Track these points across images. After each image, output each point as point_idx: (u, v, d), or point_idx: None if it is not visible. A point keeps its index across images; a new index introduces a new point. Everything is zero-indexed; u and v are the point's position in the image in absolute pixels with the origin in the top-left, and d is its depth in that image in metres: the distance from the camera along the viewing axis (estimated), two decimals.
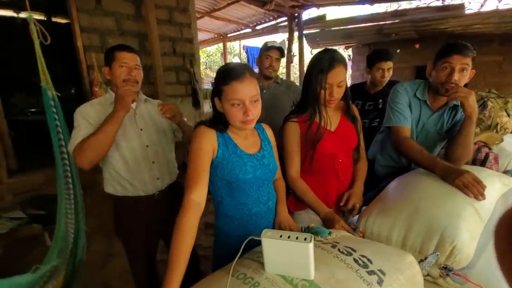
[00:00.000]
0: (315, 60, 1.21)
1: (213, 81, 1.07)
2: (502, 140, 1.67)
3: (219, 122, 1.01)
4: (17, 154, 3.09)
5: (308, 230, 0.83)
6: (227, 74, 0.92)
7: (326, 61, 1.15)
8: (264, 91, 1.96)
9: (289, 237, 0.58)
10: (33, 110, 5.03)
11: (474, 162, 1.56)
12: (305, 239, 0.57)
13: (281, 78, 2.15)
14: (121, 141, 1.33)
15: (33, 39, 1.32)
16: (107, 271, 2.15)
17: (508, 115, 1.80)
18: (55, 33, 4.68)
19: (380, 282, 0.60)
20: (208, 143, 0.94)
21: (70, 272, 1.28)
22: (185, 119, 1.51)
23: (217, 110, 1.01)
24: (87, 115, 1.29)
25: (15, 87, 4.75)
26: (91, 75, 3.12)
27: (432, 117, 1.39)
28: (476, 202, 1.03)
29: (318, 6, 4.99)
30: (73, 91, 5.69)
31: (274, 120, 1.50)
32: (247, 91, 0.91)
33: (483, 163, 1.52)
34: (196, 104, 4.01)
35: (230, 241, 1.06)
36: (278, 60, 1.98)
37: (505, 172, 1.66)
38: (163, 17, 3.59)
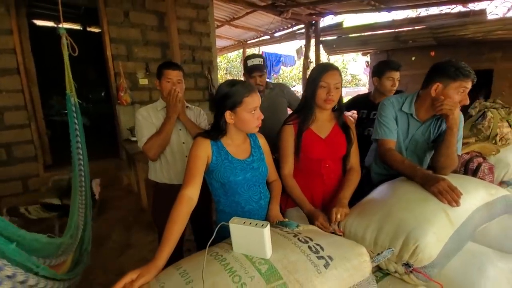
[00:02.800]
0: (314, 68, 1.43)
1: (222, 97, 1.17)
2: (498, 151, 1.69)
3: (218, 130, 1.17)
4: (52, 150, 3.46)
5: (280, 223, 0.96)
6: (246, 87, 1.13)
7: (323, 66, 1.37)
8: (262, 98, 2.10)
9: (250, 223, 0.73)
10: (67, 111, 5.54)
11: (466, 171, 1.60)
12: (262, 225, 0.71)
13: (272, 83, 2.26)
14: None
15: (62, 51, 1.49)
16: (124, 259, 2.38)
17: (510, 126, 1.81)
18: (90, 41, 5.11)
19: (326, 265, 0.72)
20: (202, 151, 1.13)
21: (78, 255, 1.42)
22: (205, 120, 1.85)
23: (220, 123, 1.16)
24: (147, 117, 1.66)
25: (53, 90, 5.25)
26: (118, 81, 3.43)
27: (420, 128, 1.45)
28: (449, 208, 1.10)
29: (335, 13, 5.06)
30: (103, 94, 6.19)
31: (274, 123, 1.63)
32: (259, 100, 1.16)
33: (474, 172, 1.56)
34: (213, 108, 4.23)
35: (227, 234, 1.22)
36: (262, 75, 2.06)
37: (502, 182, 1.68)
38: (184, 27, 3.86)
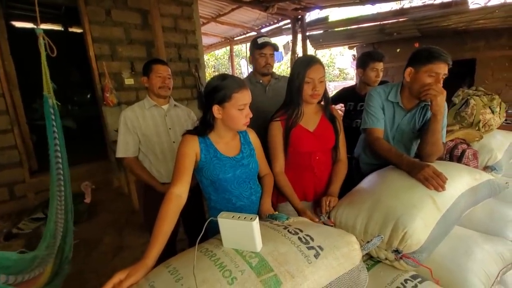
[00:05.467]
0: (297, 62, 1.41)
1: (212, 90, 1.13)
2: (481, 137, 1.73)
3: (206, 124, 1.15)
4: (38, 156, 3.37)
5: (271, 216, 0.97)
6: (237, 82, 1.10)
7: (306, 61, 1.35)
8: (267, 88, 1.98)
9: (239, 217, 0.73)
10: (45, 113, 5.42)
11: (451, 158, 1.64)
12: (251, 219, 0.71)
13: (278, 74, 2.12)
14: (153, 136, 1.68)
15: (40, 51, 1.46)
16: (117, 261, 2.35)
17: (493, 112, 1.85)
18: (72, 42, 4.99)
19: (316, 255, 0.73)
20: (190, 149, 1.11)
21: (58, 265, 1.40)
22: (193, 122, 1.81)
23: (208, 117, 1.14)
24: (127, 118, 1.66)
25: (36, 94, 5.10)
26: (103, 81, 3.35)
27: (406, 117, 1.47)
28: (435, 194, 1.12)
29: (321, 8, 5.07)
30: (88, 96, 6.05)
31: None
32: (249, 97, 1.13)
33: (459, 159, 1.60)
34: (201, 106, 4.20)
35: (219, 230, 1.22)
36: (272, 55, 1.94)
37: (486, 167, 1.73)
38: (168, 25, 3.79)
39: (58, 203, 1.42)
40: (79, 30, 5.47)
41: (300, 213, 1.24)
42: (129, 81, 3.60)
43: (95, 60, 3.34)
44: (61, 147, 1.47)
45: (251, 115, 1.14)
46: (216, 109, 1.10)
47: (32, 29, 1.47)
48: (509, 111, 3.00)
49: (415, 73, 1.34)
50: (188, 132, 1.17)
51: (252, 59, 1.99)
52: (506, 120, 2.38)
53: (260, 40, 1.91)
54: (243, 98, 1.09)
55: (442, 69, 1.28)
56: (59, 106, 1.63)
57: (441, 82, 1.30)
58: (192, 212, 1.51)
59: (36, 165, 3.32)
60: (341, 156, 1.46)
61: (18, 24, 5.23)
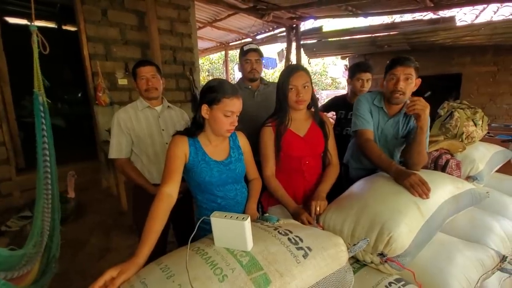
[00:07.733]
0: (281, 72, 1.48)
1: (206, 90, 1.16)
2: (464, 148, 1.80)
3: (196, 125, 1.18)
4: (25, 153, 3.31)
5: (262, 217, 1.00)
6: (231, 89, 1.12)
7: (289, 69, 1.42)
8: (256, 93, 2.03)
9: (231, 217, 0.75)
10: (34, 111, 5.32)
11: (436, 167, 1.70)
12: (243, 218, 0.74)
13: (267, 80, 2.18)
14: (146, 137, 1.68)
15: (33, 48, 1.44)
16: (103, 263, 2.31)
17: (475, 125, 1.94)
18: (66, 40, 4.93)
19: (305, 255, 0.76)
20: (180, 150, 1.13)
21: (45, 264, 1.39)
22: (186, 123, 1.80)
23: (197, 116, 1.17)
24: (121, 119, 1.66)
25: (26, 91, 5.00)
26: (96, 81, 3.34)
27: (389, 122, 1.55)
28: (420, 201, 1.16)
29: (315, 18, 5.20)
30: (80, 95, 5.97)
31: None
32: (239, 107, 1.14)
33: (443, 168, 1.66)
34: (195, 109, 4.21)
35: (208, 229, 1.24)
36: (258, 61, 1.99)
37: (468, 177, 1.80)
38: (164, 28, 3.82)
39: (45, 201, 1.40)
40: (73, 28, 5.43)
41: (295, 215, 1.26)
42: (122, 81, 3.59)
43: (88, 59, 3.33)
44: (50, 145, 1.45)
45: (236, 124, 1.16)
46: (204, 108, 1.13)
47: (26, 26, 1.46)
48: (492, 124, 3.13)
49: (383, 80, 1.50)
50: (178, 133, 1.19)
51: (240, 66, 2.07)
52: (488, 133, 2.48)
53: (245, 48, 1.99)
54: (232, 105, 1.11)
55: (400, 71, 1.40)
56: (49, 104, 1.61)
57: (405, 82, 1.41)
58: (182, 215, 1.52)
59: (23, 163, 3.26)
60: (332, 160, 1.51)
61: (12, 20, 5.17)
